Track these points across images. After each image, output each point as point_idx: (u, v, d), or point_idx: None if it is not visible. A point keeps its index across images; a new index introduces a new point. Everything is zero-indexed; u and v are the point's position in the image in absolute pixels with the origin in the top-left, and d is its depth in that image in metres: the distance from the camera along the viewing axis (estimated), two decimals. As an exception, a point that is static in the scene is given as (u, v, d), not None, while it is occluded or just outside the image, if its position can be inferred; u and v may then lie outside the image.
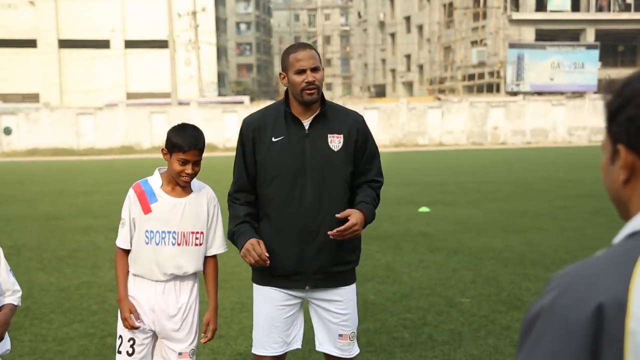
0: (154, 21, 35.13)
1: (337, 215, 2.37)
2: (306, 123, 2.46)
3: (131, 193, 2.59)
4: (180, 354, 2.55)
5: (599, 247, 3.30)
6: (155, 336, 2.60)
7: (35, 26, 35.84)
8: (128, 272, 2.57)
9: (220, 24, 49.25)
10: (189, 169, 2.45)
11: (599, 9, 38.06)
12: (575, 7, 37.56)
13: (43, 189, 14.50)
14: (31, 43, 36.07)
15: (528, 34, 37.51)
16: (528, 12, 37.18)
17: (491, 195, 12.49)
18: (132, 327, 2.48)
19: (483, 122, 32.96)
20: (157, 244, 2.53)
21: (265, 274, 2.54)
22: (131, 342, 2.54)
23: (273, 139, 2.46)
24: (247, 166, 2.49)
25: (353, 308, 2.61)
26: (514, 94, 35.89)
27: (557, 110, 33.26)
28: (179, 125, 2.55)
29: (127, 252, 2.60)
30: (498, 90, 37.41)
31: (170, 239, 2.52)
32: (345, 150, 2.48)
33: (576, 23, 38.06)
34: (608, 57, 37.80)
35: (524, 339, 0.81)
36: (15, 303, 2.33)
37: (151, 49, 36.81)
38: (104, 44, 37.41)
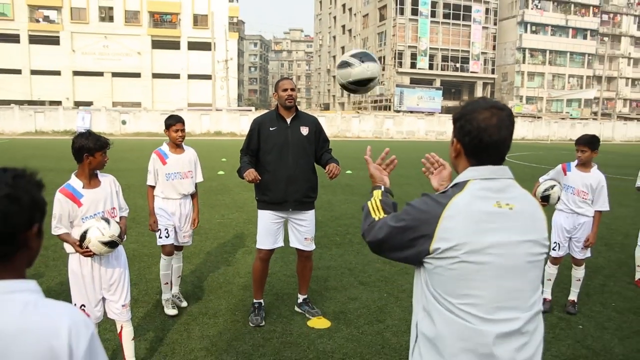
0: (205, 64, 54.23)
1: (325, 170, 3.84)
2: (288, 120, 3.95)
3: (154, 157, 4.22)
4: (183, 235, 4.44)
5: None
6: (174, 230, 4.33)
7: (139, 65, 54.71)
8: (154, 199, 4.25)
9: (240, 67, 72.40)
10: (180, 134, 4.21)
11: (443, 68, 60.40)
12: (431, 67, 59.77)
13: (145, 154, 21.34)
14: (137, 75, 54.81)
15: (406, 80, 58.43)
16: (406, 68, 58.41)
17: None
18: (154, 229, 4.14)
19: (381, 126, 49.65)
20: (174, 180, 4.27)
21: (266, 202, 3.96)
22: (166, 231, 4.26)
23: (270, 129, 3.92)
24: (251, 143, 3.97)
25: (313, 224, 4.13)
26: (398, 111, 54.98)
27: (420, 121, 50.76)
28: (169, 115, 4.28)
29: (153, 187, 4.26)
30: (390, 109, 57.19)
31: (179, 176, 4.26)
32: (310, 135, 3.98)
33: (431, 75, 59.98)
34: (446, 94, 59.23)
35: (402, 212, 1.57)
36: (126, 215, 3.30)
37: (202, 80, 55.76)
38: (176, 76, 56.13)
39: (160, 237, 4.29)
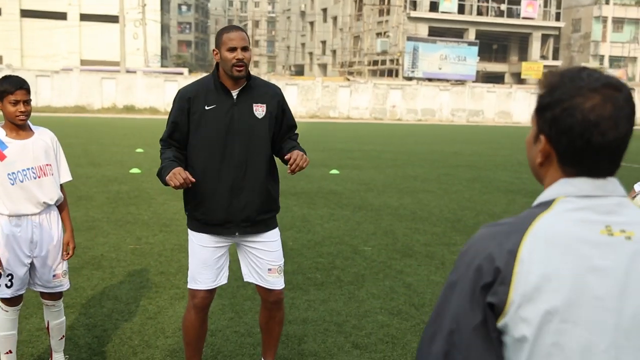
0: None
1: (285, 157, 3.96)
2: (234, 93, 3.96)
3: None
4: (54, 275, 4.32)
5: (475, 207, 12.11)
6: (32, 266, 4.27)
7: None
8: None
9: (164, 4, 71.60)
10: (21, 108, 3.97)
11: (479, 12, 61.58)
12: (461, 10, 60.81)
13: None
14: None
15: (423, 30, 59.30)
16: (423, 11, 59.37)
17: (389, 162, 19.05)
18: None
19: (384, 101, 50.82)
20: (23, 181, 4.05)
21: (200, 222, 4.06)
22: (10, 276, 4.17)
23: (206, 107, 3.94)
24: (176, 130, 4.03)
25: (278, 247, 4.21)
26: (410, 79, 55.95)
27: (443, 95, 51.84)
28: (2, 77, 3.99)
29: None
30: (397, 75, 58.32)
31: (31, 174, 4.10)
32: (269, 119, 4.04)
33: (461, 23, 61.20)
34: (484, 53, 60.63)
35: (449, 276, 1.53)
36: None
37: (103, 22, 54.88)
38: (61, 16, 54.81)
39: None
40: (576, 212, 1.50)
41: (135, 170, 15.43)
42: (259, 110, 4.02)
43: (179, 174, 3.68)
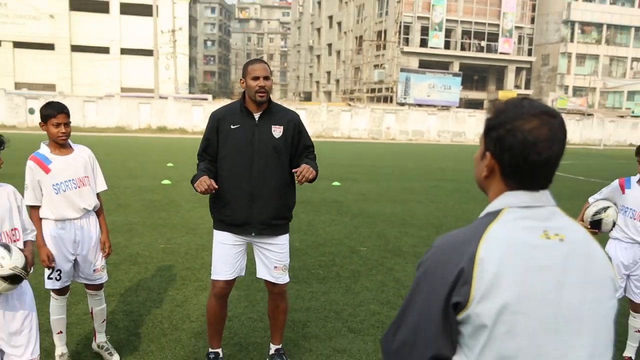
0: (144, 35, 54.29)
1: (293, 170, 3.92)
2: (256, 115, 4.00)
3: (30, 164, 4.10)
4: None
5: (455, 214, 12.22)
6: (76, 262, 4.32)
7: (53, 34, 54.03)
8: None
9: (192, 40, 72.54)
10: (62, 129, 3.98)
11: (462, 48, 61.93)
12: (447, 46, 61.11)
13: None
14: (50, 46, 54.19)
15: (414, 62, 59.61)
16: (414, 47, 59.55)
17: (384, 176, 18.97)
18: (49, 266, 4.12)
19: (380, 124, 50.78)
20: (66, 191, 4.09)
21: (223, 223, 4.08)
22: (58, 271, 4.24)
23: (232, 126, 3.99)
24: (209, 146, 4.09)
25: (286, 250, 4.23)
26: (402, 104, 56.19)
27: (430, 118, 51.78)
28: (46, 103, 4.04)
29: (37, 208, 4.13)
30: (391, 101, 58.33)
31: (72, 185, 4.10)
32: (285, 138, 4.03)
33: (446, 57, 61.40)
34: (467, 82, 60.98)
35: (414, 282, 1.54)
36: (33, 239, 3.38)
37: (140, 56, 55.71)
38: (105, 50, 55.73)
39: (49, 278, 4.27)
40: (520, 220, 1.54)
41: (166, 182, 15.49)
42: (277, 131, 4.05)
43: (204, 182, 3.74)
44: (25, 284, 3.16)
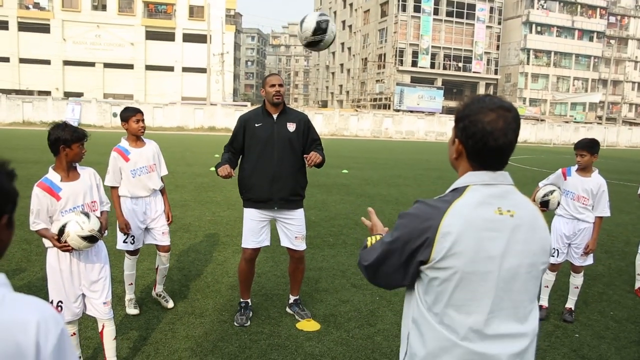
0: (200, 57, 54.83)
1: (304, 156, 3.94)
2: (275, 116, 4.02)
3: (114, 154, 4.14)
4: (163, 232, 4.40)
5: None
6: (147, 230, 4.35)
7: (132, 57, 55.18)
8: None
9: (236, 61, 72.79)
10: (141, 124, 4.16)
11: (444, 68, 61.18)
12: (432, 66, 60.61)
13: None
14: (130, 66, 55.35)
15: (407, 78, 59.20)
16: (407, 66, 59.24)
17: (382, 165, 19.05)
18: (126, 232, 4.14)
19: (380, 125, 50.49)
20: (141, 175, 4.21)
21: (251, 201, 4.05)
22: (132, 237, 4.27)
23: (255, 125, 4.01)
24: (235, 141, 4.08)
25: (303, 223, 4.18)
26: (398, 111, 55.86)
27: (419, 121, 51.52)
28: (125, 107, 4.15)
29: (115, 188, 4.14)
30: (389, 108, 58.10)
31: (145, 170, 4.23)
32: (297, 132, 4.04)
33: (432, 74, 60.83)
34: (448, 94, 60.25)
35: (393, 228, 1.54)
36: (107, 209, 3.33)
37: (196, 72, 56.31)
38: (170, 69, 56.57)
39: (125, 242, 4.27)
40: (479, 197, 1.48)
41: (212, 169, 15.25)
42: (291, 127, 4.04)
43: (225, 169, 3.80)
44: (100, 243, 3.15)
